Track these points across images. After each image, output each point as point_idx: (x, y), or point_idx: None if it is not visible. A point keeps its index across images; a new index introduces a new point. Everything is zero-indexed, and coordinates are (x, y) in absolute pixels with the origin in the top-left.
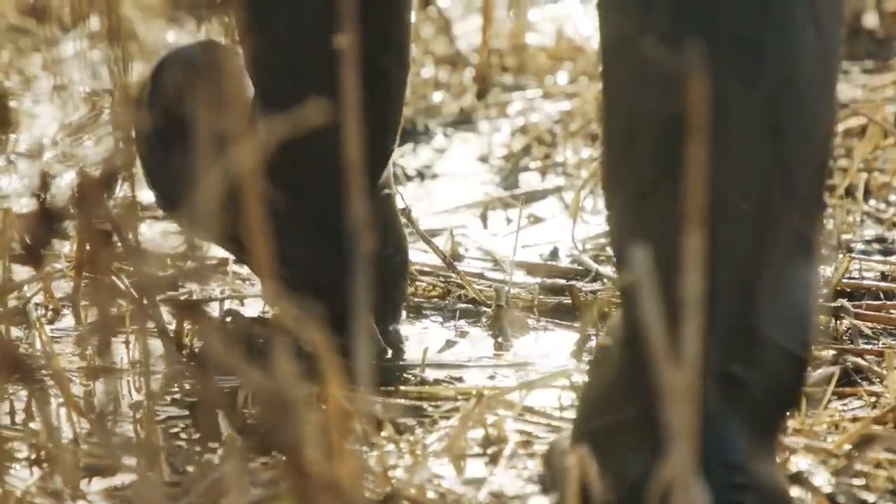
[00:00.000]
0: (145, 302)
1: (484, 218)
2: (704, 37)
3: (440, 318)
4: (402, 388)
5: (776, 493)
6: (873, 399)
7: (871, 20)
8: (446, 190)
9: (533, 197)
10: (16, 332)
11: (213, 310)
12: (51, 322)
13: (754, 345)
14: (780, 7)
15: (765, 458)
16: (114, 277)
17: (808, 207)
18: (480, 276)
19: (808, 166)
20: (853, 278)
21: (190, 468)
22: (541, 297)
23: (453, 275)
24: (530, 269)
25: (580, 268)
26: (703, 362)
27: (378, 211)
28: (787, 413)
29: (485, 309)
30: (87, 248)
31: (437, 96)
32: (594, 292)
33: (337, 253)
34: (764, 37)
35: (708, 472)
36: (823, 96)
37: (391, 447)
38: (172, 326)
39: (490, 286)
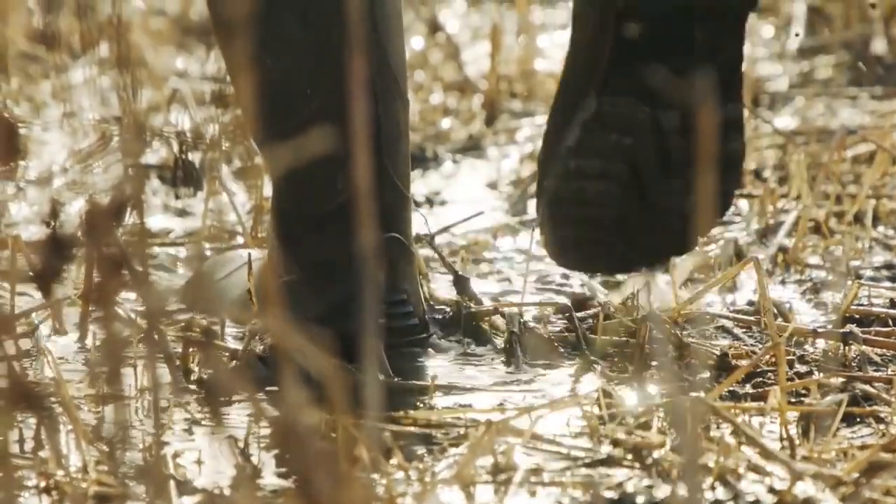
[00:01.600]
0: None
1: (494, 244)
2: None
3: (450, 343)
4: (412, 414)
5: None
6: (882, 426)
7: (879, 46)
8: (455, 216)
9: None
10: (25, 359)
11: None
12: (59, 349)
13: None
14: None
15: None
16: (122, 305)
17: None
18: (491, 301)
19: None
20: (862, 305)
21: (199, 496)
22: (551, 323)
23: (464, 299)
24: (540, 295)
25: (589, 294)
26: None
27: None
28: None
29: (495, 334)
30: (96, 275)
31: (446, 122)
32: (603, 318)
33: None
34: None
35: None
36: None
37: (400, 475)
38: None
39: (498, 308)
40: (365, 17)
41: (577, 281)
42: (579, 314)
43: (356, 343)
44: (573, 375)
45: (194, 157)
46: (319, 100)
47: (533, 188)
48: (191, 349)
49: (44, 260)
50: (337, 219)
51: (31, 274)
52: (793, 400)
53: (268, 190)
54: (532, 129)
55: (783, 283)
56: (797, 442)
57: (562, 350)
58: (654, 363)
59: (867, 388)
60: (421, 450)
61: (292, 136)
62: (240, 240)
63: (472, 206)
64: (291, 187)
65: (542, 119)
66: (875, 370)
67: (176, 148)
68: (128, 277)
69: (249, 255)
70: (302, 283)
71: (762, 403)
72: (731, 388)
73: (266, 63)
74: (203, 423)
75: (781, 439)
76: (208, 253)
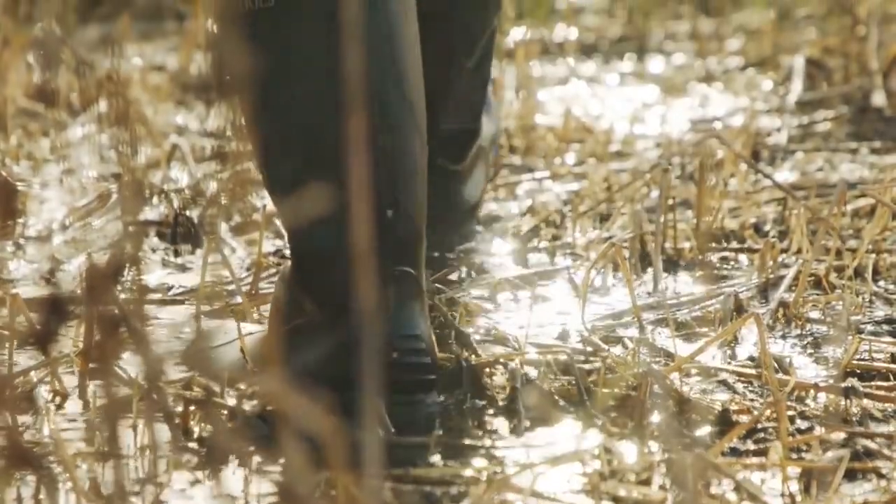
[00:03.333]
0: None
1: (494, 299)
2: None
3: (450, 399)
4: (412, 471)
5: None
6: (884, 482)
7: (878, 99)
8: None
9: (541, 277)
10: (23, 417)
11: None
12: (58, 408)
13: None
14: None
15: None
16: (121, 364)
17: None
18: (491, 356)
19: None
20: (863, 360)
21: None
22: (552, 378)
23: (465, 354)
24: (541, 350)
25: (589, 349)
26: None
27: None
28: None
29: (496, 390)
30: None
31: None
32: (604, 373)
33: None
34: None
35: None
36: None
37: None
38: (179, 411)
39: (497, 361)
40: (382, 49)
41: (577, 336)
42: (580, 369)
43: (357, 388)
44: (574, 431)
45: (193, 213)
46: (323, 151)
47: (533, 242)
48: (190, 408)
49: (43, 319)
50: (346, 260)
51: (29, 333)
52: (794, 456)
53: (267, 247)
54: (531, 184)
55: (784, 337)
56: (799, 498)
57: (563, 405)
58: (654, 419)
59: (869, 443)
60: None
61: (300, 181)
62: (238, 298)
63: (473, 260)
64: (301, 228)
65: (541, 174)
66: (877, 425)
67: (175, 204)
68: (127, 336)
69: (239, 326)
70: (308, 326)
71: (763, 459)
72: (732, 444)
73: (272, 114)
74: (202, 482)
75: (783, 496)
76: (206, 313)
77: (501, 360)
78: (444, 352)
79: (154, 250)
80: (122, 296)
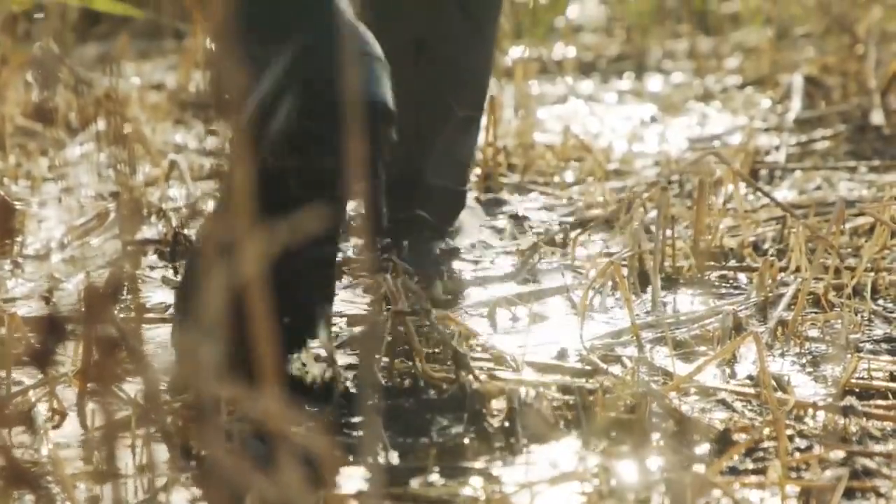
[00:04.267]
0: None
1: (492, 317)
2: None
3: (449, 419)
4: (410, 491)
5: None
6: (883, 501)
7: (877, 117)
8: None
9: (540, 296)
10: (21, 436)
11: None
12: (56, 427)
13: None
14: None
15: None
16: (119, 384)
17: (470, 105)
18: (490, 376)
19: (466, 97)
20: (862, 378)
21: None
22: (550, 398)
23: (462, 376)
24: (539, 369)
25: (588, 368)
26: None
27: None
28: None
29: (494, 408)
30: (93, 353)
31: None
32: (603, 393)
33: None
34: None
35: None
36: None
37: None
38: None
39: (495, 380)
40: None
41: (576, 355)
42: (579, 388)
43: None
44: (573, 450)
45: (192, 231)
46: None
47: (532, 260)
48: (188, 427)
49: (41, 338)
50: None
51: (28, 352)
52: (793, 474)
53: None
54: (530, 202)
55: (783, 355)
56: None
57: (561, 426)
58: (653, 438)
59: (868, 462)
60: None
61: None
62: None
63: (471, 279)
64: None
65: (540, 192)
66: (876, 444)
67: (174, 223)
68: (125, 355)
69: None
70: None
71: (763, 478)
72: (731, 463)
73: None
74: (201, 501)
75: None
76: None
77: (500, 379)
78: (441, 372)
79: (152, 269)
80: (121, 315)
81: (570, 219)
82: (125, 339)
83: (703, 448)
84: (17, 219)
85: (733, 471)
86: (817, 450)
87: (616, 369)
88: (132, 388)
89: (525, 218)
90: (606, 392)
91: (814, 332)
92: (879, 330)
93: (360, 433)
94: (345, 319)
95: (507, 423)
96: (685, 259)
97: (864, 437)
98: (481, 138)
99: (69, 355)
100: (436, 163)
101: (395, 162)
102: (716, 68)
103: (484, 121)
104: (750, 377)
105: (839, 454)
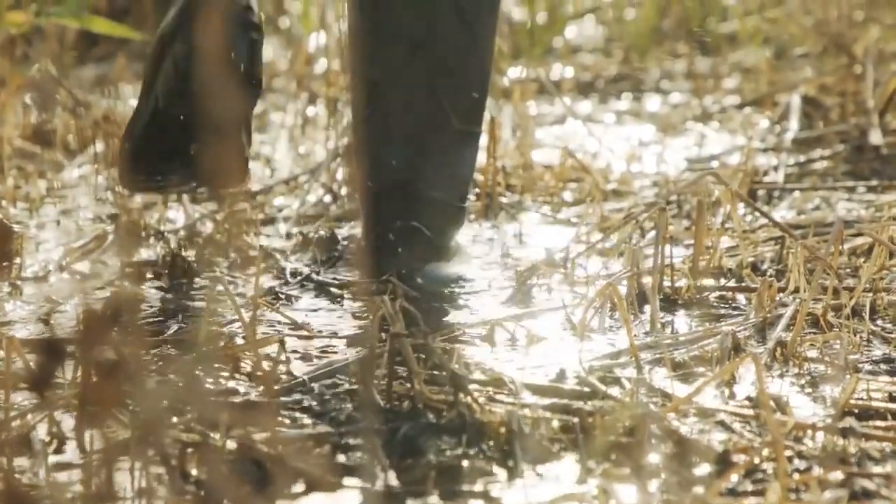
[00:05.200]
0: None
1: (490, 338)
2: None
3: (448, 441)
4: None
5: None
6: None
7: (875, 137)
8: (453, 309)
9: (539, 316)
10: (20, 460)
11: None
12: (55, 451)
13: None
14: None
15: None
16: (118, 407)
17: (467, 117)
18: (489, 398)
19: (462, 104)
20: (861, 399)
21: None
22: (549, 420)
23: (460, 398)
24: (538, 391)
25: (587, 390)
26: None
27: None
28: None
29: (493, 430)
30: (92, 376)
31: None
32: (601, 415)
33: None
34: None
35: None
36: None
37: None
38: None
39: (494, 403)
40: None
41: (575, 376)
42: (578, 410)
43: None
44: (572, 473)
45: (190, 253)
46: None
47: (531, 281)
48: (187, 451)
49: (40, 361)
50: None
51: (26, 376)
52: (793, 496)
53: (263, 281)
54: (529, 223)
55: (782, 376)
56: None
57: (561, 448)
58: (653, 459)
59: (867, 483)
60: None
61: None
62: (239, 340)
63: (469, 300)
64: None
65: (538, 212)
66: (875, 465)
67: (172, 245)
68: (124, 379)
69: None
70: None
71: (762, 500)
72: (730, 484)
73: None
74: None
75: None
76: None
77: (498, 401)
78: (440, 394)
79: (150, 291)
80: (119, 338)
81: (569, 239)
82: (124, 363)
83: (702, 469)
84: (16, 241)
85: (732, 492)
86: (816, 471)
87: (615, 391)
88: (131, 411)
89: (524, 238)
90: (605, 414)
91: (813, 353)
92: (878, 350)
93: (359, 455)
94: (343, 341)
95: (506, 446)
96: (684, 279)
97: (864, 459)
98: (481, 158)
99: (68, 378)
100: (433, 174)
101: (389, 165)
102: (714, 88)
103: (484, 141)
104: (749, 398)
105: (838, 475)
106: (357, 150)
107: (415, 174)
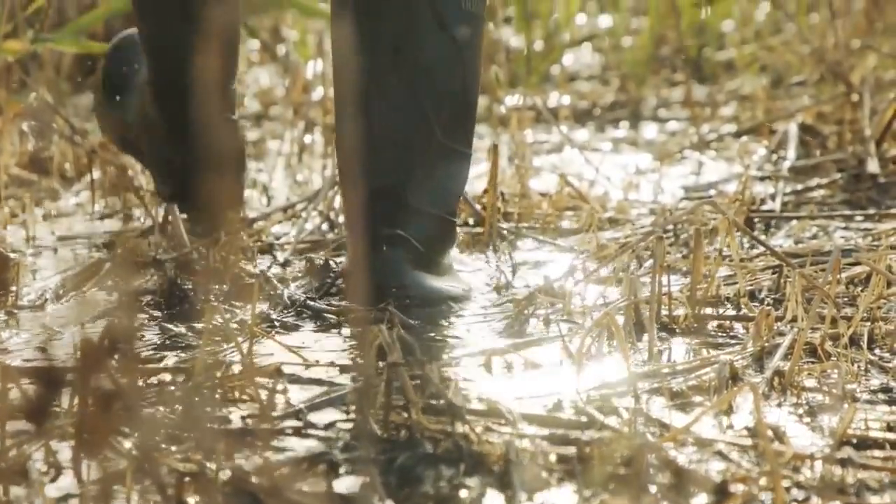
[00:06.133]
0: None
1: (488, 367)
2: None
3: (446, 470)
4: None
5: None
6: None
7: (872, 166)
8: (450, 338)
9: (536, 345)
10: (16, 490)
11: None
12: (52, 480)
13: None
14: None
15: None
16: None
17: (453, 132)
18: (486, 428)
19: (445, 115)
20: (859, 429)
21: None
22: (546, 450)
23: (457, 428)
24: (535, 421)
25: (584, 419)
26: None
27: None
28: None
29: (490, 461)
30: (89, 406)
31: None
32: (599, 445)
33: None
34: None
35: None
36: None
37: None
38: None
39: (488, 431)
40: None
41: (572, 406)
42: (576, 440)
43: None
44: (569, 502)
45: (187, 281)
46: None
47: (528, 309)
48: (184, 480)
49: (36, 391)
50: None
51: (23, 406)
52: None
53: (261, 307)
54: (526, 251)
55: (779, 406)
56: None
57: (558, 478)
58: (651, 490)
59: None
60: None
61: None
62: (236, 368)
63: (467, 329)
64: None
65: (535, 241)
66: (873, 496)
67: (169, 273)
68: (121, 409)
69: None
70: None
71: None
72: None
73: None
74: None
75: None
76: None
77: (496, 431)
78: (437, 424)
79: (147, 319)
80: (116, 367)
81: (566, 268)
82: (121, 392)
83: (700, 499)
84: (12, 269)
85: None
86: (814, 501)
87: (613, 420)
88: (128, 440)
89: (521, 266)
90: (603, 444)
91: (810, 383)
92: (876, 380)
93: (356, 485)
94: (338, 370)
95: (503, 476)
96: (681, 308)
97: (862, 489)
98: (479, 187)
99: (65, 407)
100: (418, 184)
101: (374, 171)
102: (711, 117)
103: (483, 168)
104: (747, 428)
105: None
106: (341, 157)
107: (400, 181)
